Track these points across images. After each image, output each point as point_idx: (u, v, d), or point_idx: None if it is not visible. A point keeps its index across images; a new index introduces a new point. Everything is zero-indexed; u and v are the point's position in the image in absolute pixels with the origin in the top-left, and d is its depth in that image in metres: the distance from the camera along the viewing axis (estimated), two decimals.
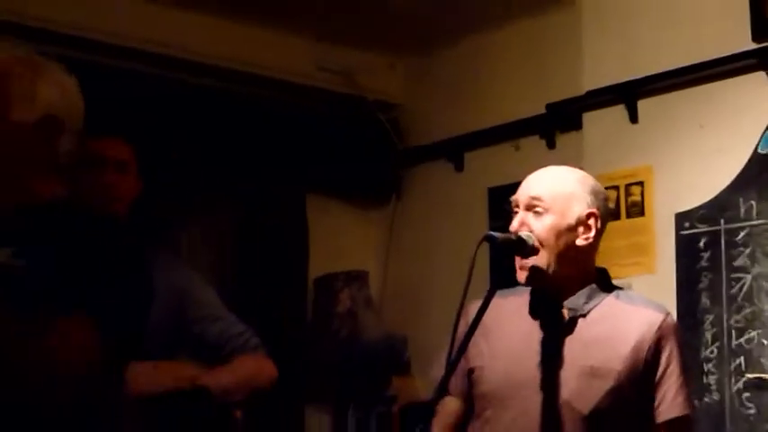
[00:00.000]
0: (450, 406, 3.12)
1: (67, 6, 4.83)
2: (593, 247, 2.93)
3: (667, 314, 2.95)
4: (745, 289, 4.11)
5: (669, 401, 2.89)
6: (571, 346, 2.88)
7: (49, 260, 2.11)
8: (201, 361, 3.46)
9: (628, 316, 2.92)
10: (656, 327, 2.89)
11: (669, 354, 2.90)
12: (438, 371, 2.92)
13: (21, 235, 2.16)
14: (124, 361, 2.21)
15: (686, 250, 4.32)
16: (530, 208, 2.88)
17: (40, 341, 2.00)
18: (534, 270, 2.88)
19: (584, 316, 2.91)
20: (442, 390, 2.80)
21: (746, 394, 4.04)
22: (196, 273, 3.70)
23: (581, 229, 2.87)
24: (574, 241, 2.87)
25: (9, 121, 2.22)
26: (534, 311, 2.93)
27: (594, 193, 2.95)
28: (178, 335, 3.45)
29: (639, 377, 2.88)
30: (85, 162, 3.42)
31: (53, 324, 2.02)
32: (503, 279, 2.93)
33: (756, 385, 3.98)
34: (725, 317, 4.15)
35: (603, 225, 2.95)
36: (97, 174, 3.44)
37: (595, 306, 2.92)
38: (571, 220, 2.86)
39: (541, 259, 2.86)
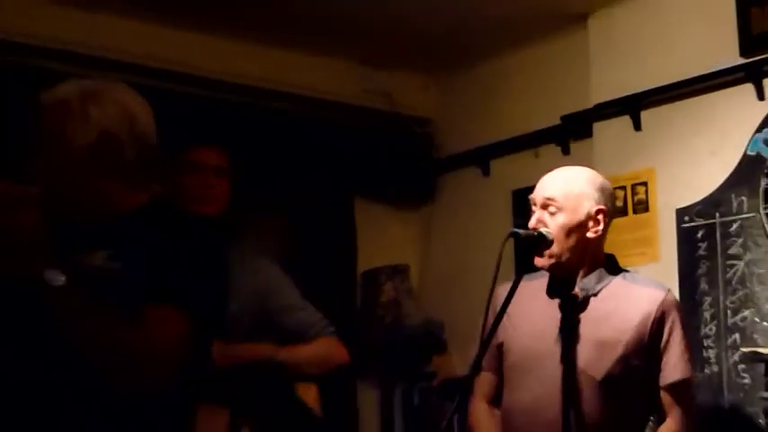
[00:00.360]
0: (487, 380, 3.18)
1: (152, 42, 4.86)
2: (601, 238, 3.00)
3: (668, 291, 3.04)
4: (738, 274, 4.12)
5: (671, 367, 2.95)
6: (584, 321, 2.95)
7: (139, 260, 2.10)
8: (284, 345, 3.50)
9: (633, 294, 3.00)
10: (658, 302, 2.96)
11: (671, 326, 2.96)
12: (472, 350, 2.97)
13: (113, 239, 2.17)
14: (209, 341, 2.24)
15: (686, 241, 4.32)
16: (545, 207, 2.96)
17: (137, 330, 2.02)
18: (551, 258, 2.94)
19: (595, 295, 2.98)
20: (477, 366, 2.87)
21: (742, 366, 4.04)
22: (278, 266, 3.70)
23: (591, 223, 2.94)
24: (584, 234, 2.94)
25: (72, 150, 2.22)
26: (551, 292, 2.98)
27: (602, 190, 3.01)
28: (262, 322, 3.48)
29: (645, 347, 2.94)
30: (187, 168, 3.49)
31: (147, 315, 2.04)
32: (526, 268, 2.99)
33: (750, 358, 3.97)
34: (721, 298, 4.15)
35: (611, 219, 3.03)
36: (197, 178, 3.49)
37: (605, 286, 2.99)
38: (581, 216, 2.93)
39: (556, 250, 2.92)
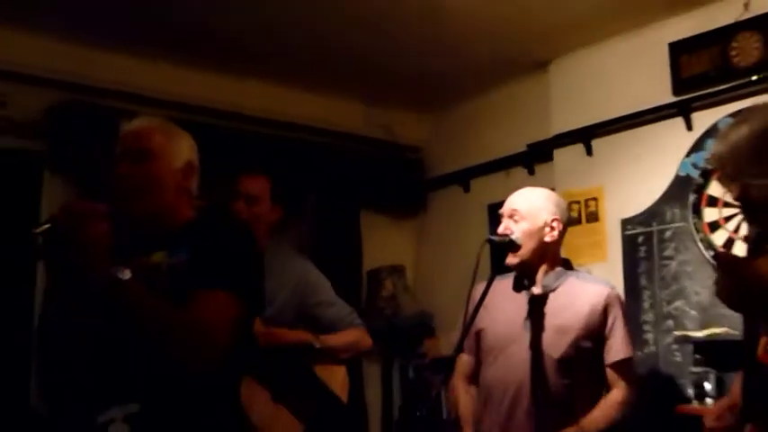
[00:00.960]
0: (465, 360, 3.20)
1: (197, 87, 4.89)
2: (557, 242, 3.05)
3: (612, 288, 3.08)
4: (672, 272, 4.16)
5: (615, 348, 2.98)
6: (547, 312, 2.97)
7: (192, 257, 2.13)
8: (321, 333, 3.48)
9: (584, 290, 3.02)
10: (604, 297, 3.00)
11: (614, 315, 2.99)
12: (455, 335, 2.99)
13: (171, 242, 2.21)
14: (252, 319, 2.26)
15: (629, 245, 4.37)
16: (511, 216, 3.00)
17: (192, 312, 2.04)
18: (518, 258, 2.99)
19: (553, 291, 3.01)
20: (459, 348, 2.89)
21: (674, 347, 4.09)
22: (313, 265, 3.64)
23: (547, 230, 3.00)
24: (543, 239, 2.99)
25: (170, 168, 2.30)
26: (517, 288, 3.03)
27: (556, 204, 3.07)
28: (300, 315, 3.44)
29: (594, 332, 2.98)
30: (237, 195, 3.49)
31: (201, 298, 2.07)
32: (500, 269, 3.04)
33: (681, 340, 4.02)
34: (657, 292, 4.19)
35: (565, 227, 3.06)
36: (236, 204, 3.46)
37: (562, 284, 3.03)
38: (540, 224, 3.00)
39: (522, 251, 2.97)
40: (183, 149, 2.36)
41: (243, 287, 2.15)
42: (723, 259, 1.68)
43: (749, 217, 1.84)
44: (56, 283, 2.22)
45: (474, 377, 3.19)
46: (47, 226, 1.93)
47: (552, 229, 3.00)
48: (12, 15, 4.16)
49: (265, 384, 3.26)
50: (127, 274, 2.02)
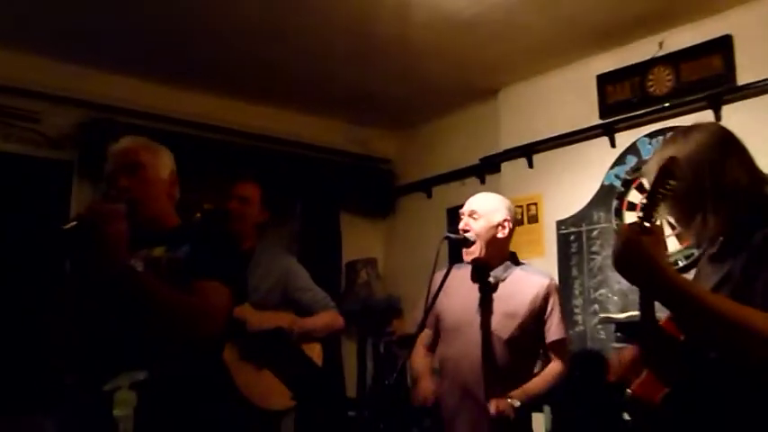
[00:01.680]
0: (426, 334, 3.18)
1: (202, 107, 4.86)
2: (507, 239, 3.03)
3: (551, 278, 3.06)
4: (598, 264, 4.18)
5: (553, 329, 2.97)
6: (495, 298, 2.96)
7: (190, 253, 2.15)
8: (299, 315, 3.48)
9: (528, 280, 3.00)
10: (545, 286, 2.98)
11: (552, 302, 2.98)
12: (418, 315, 2.99)
13: (167, 239, 2.22)
14: (236, 303, 2.25)
15: (562, 242, 4.40)
16: (470, 215, 2.98)
17: (193, 296, 2.06)
18: (474, 253, 2.98)
19: (503, 281, 2.98)
20: (421, 326, 2.89)
21: (599, 327, 4.12)
22: (294, 258, 3.67)
23: (500, 228, 2.97)
24: (495, 235, 2.97)
25: (158, 176, 2.30)
26: (473, 278, 3.01)
27: (508, 208, 3.05)
28: (283, 299, 3.44)
29: (536, 316, 2.96)
30: (232, 198, 3.50)
31: (199, 286, 2.08)
32: (456, 261, 3.04)
33: (605, 321, 4.02)
34: (586, 281, 4.21)
35: (513, 227, 3.05)
36: (230, 204, 3.48)
37: (510, 275, 3.01)
38: (494, 222, 2.97)
39: (477, 247, 2.96)
40: (167, 161, 2.35)
41: (231, 278, 2.16)
42: (621, 228, 1.67)
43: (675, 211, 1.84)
44: (77, 269, 2.21)
45: (432, 347, 3.18)
46: (74, 223, 1.93)
47: (504, 227, 2.99)
48: (44, 46, 4.20)
49: (250, 354, 3.27)
50: (140, 266, 2.04)
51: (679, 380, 1.73)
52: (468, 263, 3.02)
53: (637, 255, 1.57)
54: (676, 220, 1.87)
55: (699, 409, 1.72)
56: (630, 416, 1.91)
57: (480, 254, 2.97)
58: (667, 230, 1.87)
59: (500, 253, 3.03)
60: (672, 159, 1.66)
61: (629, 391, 1.80)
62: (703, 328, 1.63)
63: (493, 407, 2.78)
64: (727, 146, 1.83)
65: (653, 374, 1.76)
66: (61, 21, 3.88)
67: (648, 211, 1.63)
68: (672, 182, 1.62)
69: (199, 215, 3.30)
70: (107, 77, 4.53)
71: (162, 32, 4.03)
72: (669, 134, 1.94)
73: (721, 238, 1.80)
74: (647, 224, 1.61)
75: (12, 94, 4.21)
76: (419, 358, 3.18)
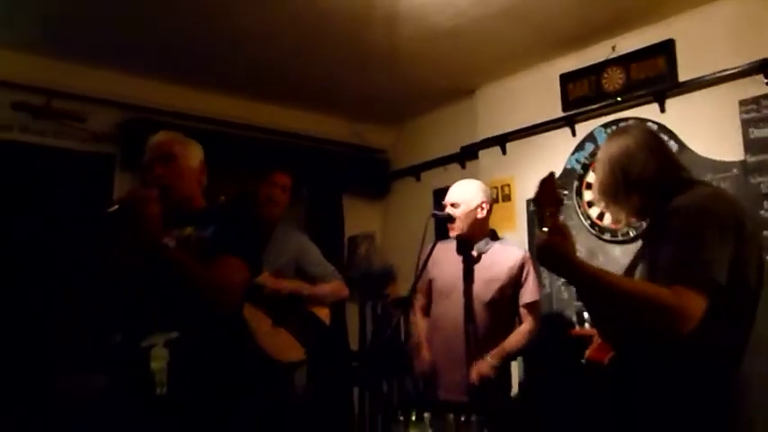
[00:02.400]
0: (420, 301, 3.18)
1: (227, 107, 4.83)
2: (486, 218, 3.02)
3: (526, 251, 3.07)
4: None
5: (527, 293, 2.97)
6: (477, 268, 2.97)
7: (216, 233, 2.14)
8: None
9: (506, 252, 3.01)
10: (520, 257, 2.98)
11: (527, 270, 2.98)
12: (411, 281, 2.98)
13: (196, 220, 2.20)
14: (253, 275, 2.25)
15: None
16: (452, 206, 2.99)
17: (217, 270, 2.04)
18: (457, 230, 2.96)
19: (484, 253, 2.98)
20: (413, 290, 2.89)
21: (563, 288, 4.07)
22: (306, 236, 3.63)
23: (479, 210, 2.94)
24: (476, 216, 2.93)
25: (189, 165, 2.27)
26: (458, 251, 2.99)
27: (484, 192, 3.03)
28: (297, 271, 3.41)
29: (513, 283, 2.97)
30: (268, 184, 3.42)
31: (221, 262, 2.06)
32: (442, 236, 3.01)
33: (567, 283, 3.98)
34: None
35: (491, 207, 3.01)
36: (271, 191, 3.44)
37: (490, 248, 3.01)
38: (473, 206, 2.94)
39: (459, 225, 2.93)
40: (196, 153, 2.32)
41: (249, 255, 2.15)
42: (538, 237, 1.70)
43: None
44: (118, 245, 2.20)
45: (426, 311, 3.17)
46: (116, 207, 1.97)
47: (483, 209, 2.99)
48: (89, 56, 4.19)
49: (269, 314, 3.26)
50: (172, 243, 2.04)
51: (620, 344, 1.78)
52: (452, 237, 3.01)
53: (552, 254, 1.65)
54: (603, 208, 1.98)
55: (635, 366, 1.77)
56: (586, 376, 1.91)
57: (462, 231, 2.95)
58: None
59: (481, 230, 3.02)
60: (550, 175, 1.78)
61: (585, 355, 1.87)
62: (608, 304, 1.69)
63: (474, 373, 2.78)
64: (641, 143, 1.90)
65: (603, 342, 1.83)
66: (103, 34, 3.87)
67: (541, 220, 1.70)
68: (562, 192, 1.78)
69: (223, 198, 3.26)
70: (144, 82, 4.51)
71: (189, 44, 4.01)
72: (607, 136, 2.09)
73: (648, 219, 1.91)
74: (545, 229, 1.68)
75: (63, 97, 4.20)
76: (419, 323, 3.19)
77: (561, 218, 1.74)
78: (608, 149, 1.95)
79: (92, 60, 4.22)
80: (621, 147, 1.91)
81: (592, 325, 1.87)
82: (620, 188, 1.88)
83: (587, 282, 1.65)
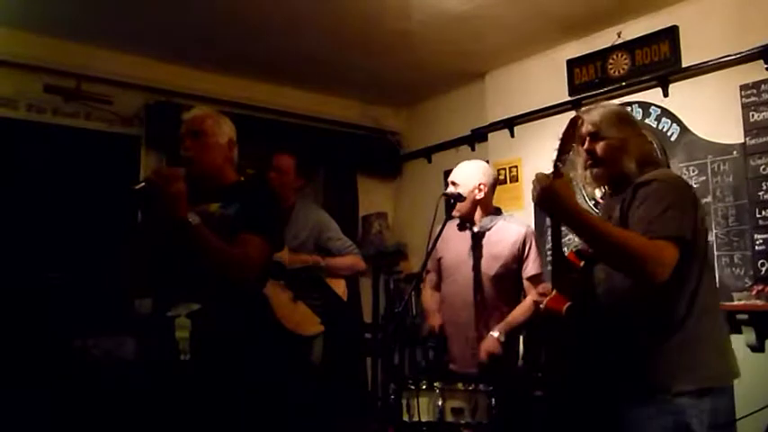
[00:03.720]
0: (431, 277, 3.20)
1: (245, 91, 4.86)
2: (485, 198, 3.00)
3: (528, 226, 3.05)
4: None
5: (530, 267, 2.97)
6: (484, 244, 2.96)
7: (239, 211, 2.17)
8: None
9: (510, 229, 3.00)
10: (523, 233, 2.98)
11: (530, 245, 2.98)
12: (422, 258, 3.01)
13: (222, 197, 2.22)
14: (273, 252, 2.30)
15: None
16: (452, 184, 2.98)
17: (239, 247, 2.10)
18: (461, 209, 2.99)
19: (489, 230, 2.98)
20: (423, 267, 2.92)
21: None
22: (325, 212, 3.64)
23: (476, 191, 2.95)
24: (475, 197, 2.95)
25: (218, 142, 2.29)
26: (461, 228, 3.02)
27: (484, 173, 3.02)
28: (317, 246, 3.43)
29: (517, 257, 2.97)
30: (272, 167, 3.46)
31: (243, 239, 2.11)
32: (451, 215, 3.04)
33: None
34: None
35: (492, 187, 3.03)
36: (268, 174, 3.47)
37: (495, 224, 3.01)
38: (470, 187, 2.95)
39: (465, 205, 2.95)
40: (226, 130, 2.33)
41: (270, 233, 2.19)
42: (537, 176, 1.86)
43: (593, 162, 2.00)
44: (146, 221, 2.25)
45: (437, 287, 3.20)
46: (143, 184, 2.01)
47: (480, 190, 2.96)
48: (115, 41, 4.24)
49: (288, 289, 3.31)
50: (197, 219, 2.03)
51: (576, 294, 1.90)
52: (455, 216, 3.04)
53: (552, 194, 1.78)
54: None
55: (590, 314, 1.91)
56: (544, 324, 2.06)
57: (461, 211, 2.98)
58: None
59: (483, 208, 3.01)
60: (576, 117, 1.87)
61: (541, 306, 1.97)
62: (598, 246, 1.81)
63: (483, 352, 2.81)
64: (625, 119, 2.02)
65: (559, 292, 1.93)
66: (129, 19, 3.91)
67: (560, 154, 1.87)
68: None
69: (242, 178, 3.35)
70: (167, 67, 4.54)
71: (212, 29, 4.05)
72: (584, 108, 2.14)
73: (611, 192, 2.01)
74: (559, 164, 1.83)
75: (90, 81, 4.27)
76: (428, 297, 3.21)
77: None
78: (597, 114, 2.02)
79: (119, 45, 4.27)
80: (612, 115, 2.00)
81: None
82: (620, 152, 1.95)
83: (584, 227, 1.77)
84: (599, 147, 1.98)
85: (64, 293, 3.83)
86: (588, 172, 2.01)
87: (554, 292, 1.95)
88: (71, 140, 4.21)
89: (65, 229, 4.02)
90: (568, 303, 1.89)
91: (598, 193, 2.08)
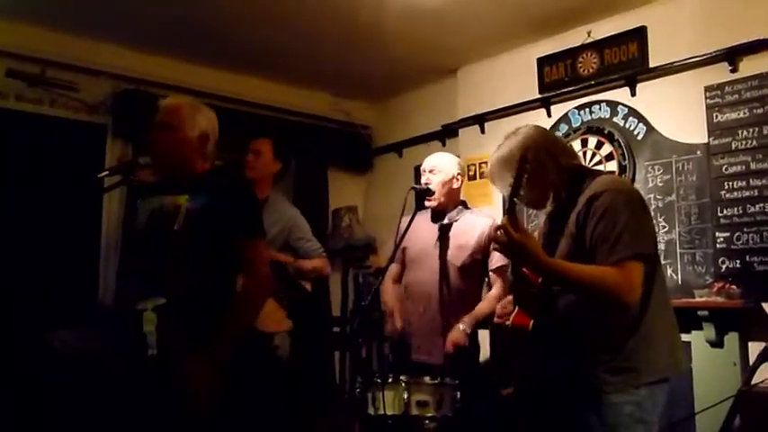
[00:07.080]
0: (394, 268, 3.19)
1: (216, 81, 4.80)
2: (459, 189, 3.04)
3: (494, 220, 3.04)
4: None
5: (496, 258, 2.98)
6: (451, 235, 2.98)
7: (207, 204, 2.15)
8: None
9: (475, 221, 3.02)
10: (488, 225, 3.00)
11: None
12: (389, 251, 3.00)
13: (191, 188, 2.19)
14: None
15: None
16: (430, 171, 2.99)
17: (250, 253, 2.18)
18: (434, 201, 2.99)
19: (456, 221, 3.00)
20: (391, 260, 2.91)
21: None
22: (297, 209, 3.59)
23: (454, 180, 2.98)
24: (451, 186, 2.97)
25: (186, 136, 2.22)
26: (433, 220, 3.03)
27: (458, 164, 3.07)
28: (286, 244, 3.41)
29: (483, 249, 2.98)
30: (248, 151, 3.43)
31: (255, 244, 2.19)
32: (420, 208, 3.04)
33: None
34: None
35: (462, 180, 3.05)
36: (245, 157, 3.44)
37: (462, 217, 3.03)
38: (449, 176, 2.97)
39: (436, 196, 2.97)
40: (200, 122, 2.25)
41: (263, 233, 2.24)
42: (504, 228, 1.85)
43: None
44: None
45: (399, 279, 3.20)
46: (107, 172, 1.97)
47: (458, 179, 3.02)
48: (82, 27, 4.15)
49: None
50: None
51: (539, 312, 1.96)
52: (428, 208, 3.05)
53: (521, 250, 1.79)
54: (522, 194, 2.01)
55: (555, 330, 1.97)
56: (512, 340, 2.08)
57: (440, 201, 2.99)
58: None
59: (454, 200, 3.05)
60: (526, 154, 1.86)
61: (507, 323, 2.02)
62: (572, 289, 1.90)
63: (449, 343, 2.82)
64: (541, 141, 2.06)
65: (521, 308, 2.00)
66: (98, 5, 3.84)
67: (515, 191, 1.85)
68: (527, 166, 1.83)
69: (216, 163, 3.33)
70: (136, 55, 4.47)
71: (181, 18, 3.98)
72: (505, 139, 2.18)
73: (554, 204, 2.03)
74: (515, 200, 1.85)
75: (56, 67, 4.18)
76: (388, 292, 3.18)
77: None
78: (515, 144, 2.07)
79: (86, 31, 4.19)
80: (534, 138, 2.06)
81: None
82: (548, 176, 2.00)
83: (555, 276, 1.86)
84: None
85: (27, 285, 3.74)
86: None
87: (516, 308, 2.01)
88: (34, 127, 4.11)
89: (26, 218, 3.92)
90: (532, 320, 1.96)
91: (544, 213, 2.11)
